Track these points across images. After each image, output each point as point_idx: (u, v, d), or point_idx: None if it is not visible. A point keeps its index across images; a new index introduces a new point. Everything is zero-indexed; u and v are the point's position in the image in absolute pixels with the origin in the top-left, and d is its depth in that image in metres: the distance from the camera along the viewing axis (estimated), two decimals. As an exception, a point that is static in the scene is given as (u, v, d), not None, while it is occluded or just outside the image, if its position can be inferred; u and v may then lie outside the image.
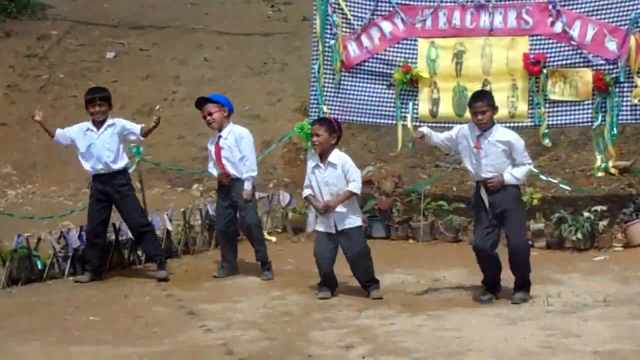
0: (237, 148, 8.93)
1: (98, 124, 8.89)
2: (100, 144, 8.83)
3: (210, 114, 8.98)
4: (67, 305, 8.07)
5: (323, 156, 8.17)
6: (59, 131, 9.07)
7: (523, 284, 7.79)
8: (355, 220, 8.16)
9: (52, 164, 12.73)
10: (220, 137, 9.00)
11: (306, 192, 8.36)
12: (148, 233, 9.07)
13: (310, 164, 8.37)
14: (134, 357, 6.61)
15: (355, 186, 8.12)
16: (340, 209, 8.09)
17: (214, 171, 9.14)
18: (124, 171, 9.00)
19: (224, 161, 8.95)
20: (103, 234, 9.04)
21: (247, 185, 8.92)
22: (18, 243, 8.77)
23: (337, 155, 8.17)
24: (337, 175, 8.12)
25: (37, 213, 10.97)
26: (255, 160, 9.10)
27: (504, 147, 7.75)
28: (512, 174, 7.75)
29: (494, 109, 7.87)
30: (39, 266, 8.86)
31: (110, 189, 8.87)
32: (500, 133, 7.84)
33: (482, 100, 7.82)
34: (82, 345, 6.92)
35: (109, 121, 8.95)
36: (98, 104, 8.87)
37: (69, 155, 12.62)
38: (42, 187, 12.42)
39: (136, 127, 9.03)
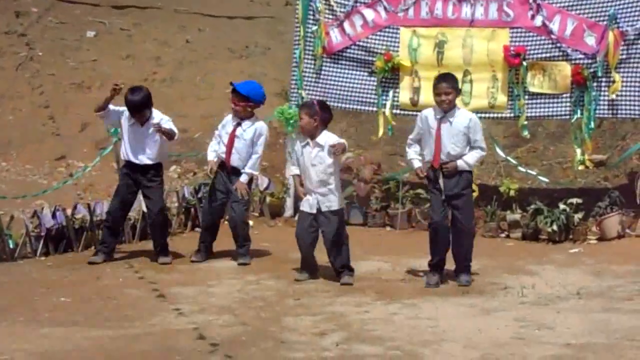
0: (253, 143, 8.80)
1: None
2: (141, 139, 8.69)
3: (245, 108, 8.78)
4: (37, 286, 7.95)
5: (312, 137, 8.12)
6: (111, 107, 8.79)
7: (467, 267, 8.14)
8: (334, 203, 8.10)
9: (27, 142, 12.59)
10: (239, 125, 8.83)
11: (294, 170, 8.38)
12: (163, 222, 8.98)
13: (299, 143, 8.30)
14: (104, 339, 6.51)
15: None
16: (322, 190, 8.05)
17: (212, 154, 8.88)
18: (158, 165, 8.84)
19: (233, 151, 8.77)
20: (125, 216, 9.01)
21: (244, 178, 8.78)
22: (-10, 221, 8.67)
23: (325, 137, 8.11)
24: (322, 156, 8.07)
25: (10, 191, 10.80)
26: (260, 161, 8.97)
27: (464, 130, 7.99)
28: (465, 161, 8.02)
29: (457, 91, 8.18)
30: (10, 245, 8.76)
31: (141, 177, 8.75)
32: (462, 114, 8.11)
33: (447, 82, 8.06)
34: (51, 326, 6.80)
35: (154, 119, 8.74)
36: (143, 112, 8.70)
37: (45, 133, 12.56)
38: (17, 164, 12.29)
39: (173, 128, 8.80)
